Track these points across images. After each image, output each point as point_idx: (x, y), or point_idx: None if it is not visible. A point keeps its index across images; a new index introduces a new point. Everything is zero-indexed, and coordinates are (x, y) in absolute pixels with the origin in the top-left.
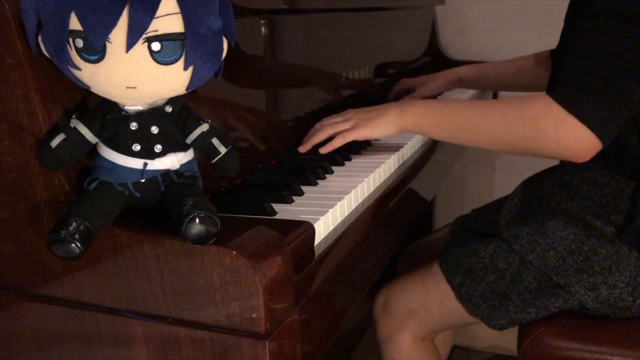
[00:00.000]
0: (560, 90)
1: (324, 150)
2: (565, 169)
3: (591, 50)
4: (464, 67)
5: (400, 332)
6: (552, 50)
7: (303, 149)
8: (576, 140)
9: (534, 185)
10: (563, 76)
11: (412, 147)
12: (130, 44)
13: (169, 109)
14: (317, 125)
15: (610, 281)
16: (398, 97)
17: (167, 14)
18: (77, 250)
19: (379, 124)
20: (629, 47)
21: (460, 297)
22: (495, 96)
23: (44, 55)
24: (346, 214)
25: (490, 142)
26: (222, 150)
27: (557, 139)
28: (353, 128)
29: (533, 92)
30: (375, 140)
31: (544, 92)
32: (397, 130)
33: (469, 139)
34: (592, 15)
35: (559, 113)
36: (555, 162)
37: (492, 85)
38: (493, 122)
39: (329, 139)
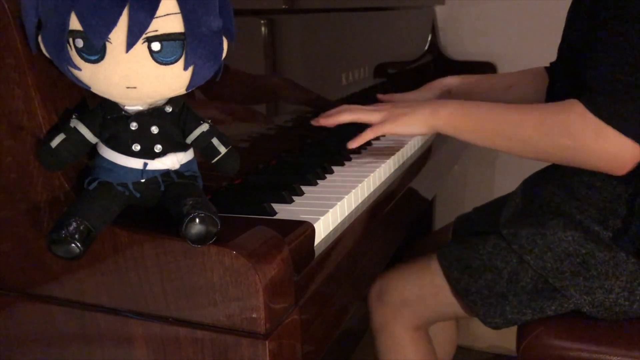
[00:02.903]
0: (594, 100)
1: (352, 144)
2: (565, 170)
3: (620, 57)
4: (454, 78)
5: (395, 321)
6: (547, 68)
7: (324, 122)
8: (618, 151)
9: (535, 184)
10: (594, 85)
11: (412, 147)
12: (130, 44)
13: (169, 109)
14: (344, 106)
15: (606, 286)
16: None
17: (167, 14)
18: (77, 250)
19: (411, 121)
20: None
21: (456, 292)
22: None
23: (44, 55)
24: (346, 214)
25: (525, 150)
26: (222, 150)
27: (598, 151)
28: (384, 122)
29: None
30: (376, 140)
31: (576, 100)
32: (428, 129)
33: (503, 145)
34: (609, 20)
35: (597, 124)
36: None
37: (481, 100)
38: (531, 130)
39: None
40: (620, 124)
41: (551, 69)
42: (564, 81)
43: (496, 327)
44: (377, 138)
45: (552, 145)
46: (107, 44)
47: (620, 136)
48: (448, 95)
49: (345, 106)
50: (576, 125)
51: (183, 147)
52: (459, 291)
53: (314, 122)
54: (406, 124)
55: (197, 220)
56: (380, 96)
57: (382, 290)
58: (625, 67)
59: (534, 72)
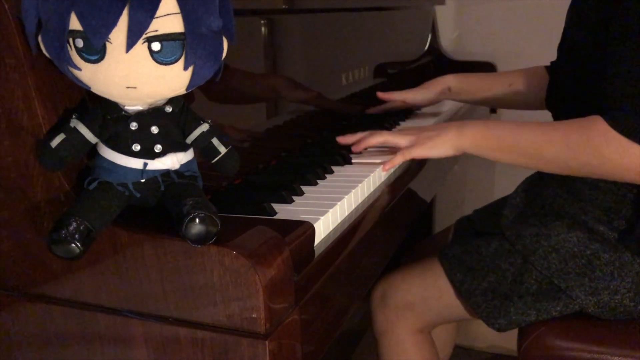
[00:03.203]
0: (616, 116)
1: (385, 168)
2: None
3: (634, 72)
4: (454, 77)
5: (398, 324)
6: (547, 67)
7: (354, 147)
8: None
9: (536, 184)
10: (614, 100)
11: None
12: (130, 44)
13: (169, 109)
14: (372, 132)
15: (611, 286)
16: (388, 112)
17: (167, 14)
18: (77, 250)
19: (438, 144)
20: None
21: (460, 294)
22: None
23: (44, 55)
24: (346, 214)
25: (552, 167)
26: (222, 150)
27: (624, 166)
28: (412, 146)
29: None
30: None
31: (598, 116)
32: (455, 151)
33: (530, 164)
34: (631, 35)
35: (620, 141)
36: None
37: (481, 98)
38: (556, 149)
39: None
40: None
41: (552, 69)
42: (565, 81)
43: (500, 328)
44: None
45: (578, 163)
46: (107, 44)
47: None
48: (448, 93)
49: (373, 132)
50: (600, 142)
51: (183, 147)
52: (463, 293)
53: (340, 140)
54: (433, 148)
55: (197, 220)
56: (380, 94)
57: (384, 293)
58: None
59: (533, 71)
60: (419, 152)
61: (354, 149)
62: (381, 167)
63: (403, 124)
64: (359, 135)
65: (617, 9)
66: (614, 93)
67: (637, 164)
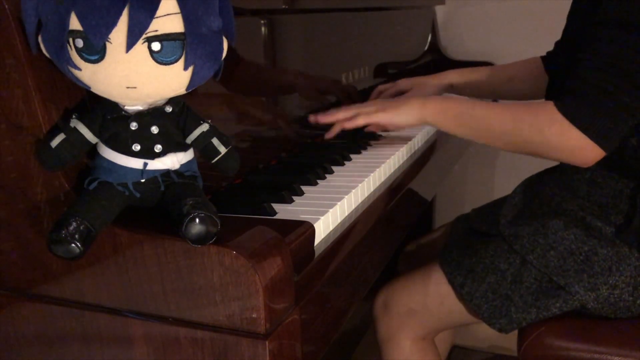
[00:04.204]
0: (565, 100)
1: (347, 125)
2: (565, 169)
3: (595, 60)
4: (456, 72)
5: (401, 332)
6: (543, 57)
7: (322, 119)
8: (579, 149)
9: (534, 185)
10: (569, 85)
11: (412, 147)
12: (130, 44)
13: (169, 109)
14: (342, 110)
15: (610, 281)
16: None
17: (167, 14)
18: (77, 250)
19: (401, 112)
20: (632, 58)
21: (461, 297)
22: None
23: (44, 55)
24: (346, 214)
25: (500, 142)
26: (222, 150)
27: (560, 146)
28: (376, 111)
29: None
30: (376, 140)
31: (551, 101)
32: (417, 120)
33: (482, 138)
34: (596, 24)
35: (562, 123)
36: (556, 163)
37: (483, 92)
38: (505, 125)
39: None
40: (583, 125)
41: (550, 63)
42: (561, 74)
43: (501, 328)
44: (377, 138)
45: (523, 140)
46: (107, 44)
47: (582, 136)
48: (450, 89)
49: (343, 108)
50: (544, 122)
51: (183, 147)
52: (464, 296)
53: (318, 119)
54: (396, 114)
55: (197, 220)
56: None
57: (387, 300)
58: (597, 72)
59: (530, 62)
60: (381, 117)
61: (321, 119)
62: (379, 168)
63: None
64: (331, 116)
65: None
66: (574, 80)
67: (573, 146)
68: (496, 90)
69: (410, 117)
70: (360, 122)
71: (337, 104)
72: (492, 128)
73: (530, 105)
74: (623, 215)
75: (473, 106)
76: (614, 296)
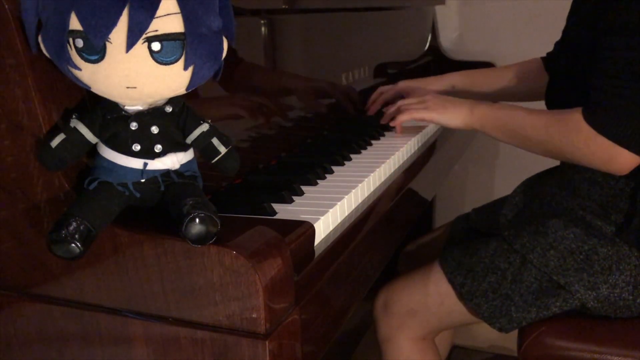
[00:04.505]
0: (592, 109)
1: (392, 123)
2: (565, 168)
3: (614, 68)
4: (457, 74)
5: (401, 332)
6: (543, 58)
7: (371, 110)
8: (609, 156)
9: (534, 185)
10: (595, 95)
11: (411, 147)
12: (130, 44)
13: (169, 109)
14: (399, 105)
15: (610, 280)
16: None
17: (167, 14)
18: (77, 250)
19: (450, 113)
20: None
21: (461, 297)
22: None
23: (44, 55)
24: (346, 214)
25: (539, 150)
26: (222, 150)
27: (590, 154)
28: (425, 109)
29: (526, 102)
30: (376, 140)
31: (579, 108)
32: (463, 124)
33: (522, 145)
34: (608, 32)
35: (589, 132)
36: (556, 162)
37: (483, 94)
38: (539, 133)
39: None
40: (610, 133)
41: (549, 65)
42: (561, 76)
43: (501, 328)
44: (378, 138)
45: (554, 148)
46: (107, 44)
47: (611, 144)
48: (452, 90)
49: (399, 104)
50: (572, 131)
51: (183, 147)
52: (464, 295)
53: (370, 110)
54: (444, 114)
55: (197, 220)
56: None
57: (387, 301)
58: (619, 80)
59: (533, 64)
60: (428, 115)
61: (392, 124)
62: (379, 168)
63: None
64: (390, 116)
65: (610, 4)
66: (596, 88)
67: (601, 152)
68: (497, 92)
69: (458, 120)
70: (404, 118)
71: (339, 105)
72: (529, 137)
73: (560, 114)
74: (623, 215)
75: (513, 115)
76: (614, 295)
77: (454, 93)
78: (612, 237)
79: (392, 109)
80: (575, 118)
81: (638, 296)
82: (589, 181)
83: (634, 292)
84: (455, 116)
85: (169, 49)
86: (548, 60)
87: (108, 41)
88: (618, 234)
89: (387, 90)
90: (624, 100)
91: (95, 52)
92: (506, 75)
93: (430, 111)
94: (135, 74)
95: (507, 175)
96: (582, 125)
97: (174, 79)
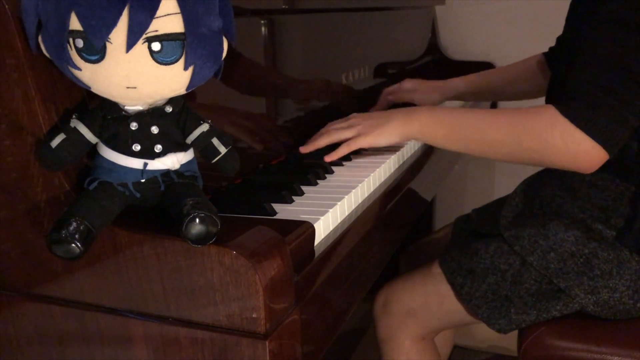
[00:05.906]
0: (567, 103)
1: (329, 158)
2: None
3: (596, 61)
4: (456, 80)
5: (400, 332)
6: (545, 54)
7: (305, 149)
8: (583, 152)
9: (534, 185)
10: (569, 88)
11: (412, 147)
12: (130, 44)
13: (169, 109)
14: (323, 130)
15: (610, 284)
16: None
17: (167, 14)
18: (77, 250)
19: (384, 132)
20: (633, 56)
21: (460, 297)
22: (494, 105)
23: (44, 55)
24: (346, 214)
25: (497, 153)
26: (222, 150)
27: (564, 151)
28: (358, 136)
29: (530, 99)
30: None
31: (550, 104)
32: (401, 138)
33: (476, 150)
34: (596, 24)
35: (565, 126)
36: None
37: (485, 96)
38: (500, 134)
39: (334, 146)
40: (587, 127)
41: (553, 63)
42: (559, 75)
43: (500, 329)
44: None
45: (522, 148)
46: (107, 44)
47: (587, 139)
48: (454, 93)
49: (322, 130)
50: (546, 126)
51: (183, 147)
52: (463, 296)
53: (303, 150)
54: (378, 136)
55: (197, 220)
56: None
57: (387, 300)
58: (598, 72)
59: (534, 61)
60: (363, 142)
61: (306, 150)
62: (379, 168)
63: None
64: (313, 139)
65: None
66: (573, 81)
67: (577, 149)
68: (500, 92)
69: (394, 136)
70: (341, 152)
71: (336, 105)
72: (486, 138)
73: (527, 110)
74: (624, 219)
75: (464, 116)
76: (614, 299)
77: (457, 96)
78: (612, 242)
79: (322, 138)
80: (548, 112)
81: (638, 300)
82: (589, 184)
83: (634, 296)
84: (389, 131)
85: (169, 49)
86: (550, 56)
87: (108, 41)
88: (618, 239)
89: (393, 91)
90: (606, 94)
91: (95, 52)
92: (509, 74)
93: (365, 136)
94: (135, 74)
95: (507, 175)
96: (557, 119)
97: (174, 79)
